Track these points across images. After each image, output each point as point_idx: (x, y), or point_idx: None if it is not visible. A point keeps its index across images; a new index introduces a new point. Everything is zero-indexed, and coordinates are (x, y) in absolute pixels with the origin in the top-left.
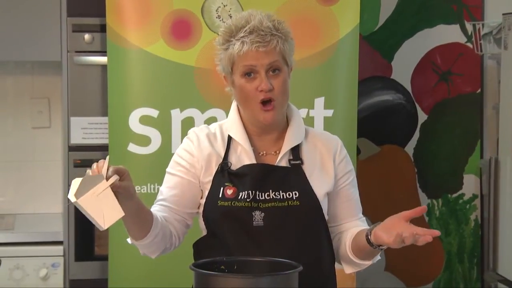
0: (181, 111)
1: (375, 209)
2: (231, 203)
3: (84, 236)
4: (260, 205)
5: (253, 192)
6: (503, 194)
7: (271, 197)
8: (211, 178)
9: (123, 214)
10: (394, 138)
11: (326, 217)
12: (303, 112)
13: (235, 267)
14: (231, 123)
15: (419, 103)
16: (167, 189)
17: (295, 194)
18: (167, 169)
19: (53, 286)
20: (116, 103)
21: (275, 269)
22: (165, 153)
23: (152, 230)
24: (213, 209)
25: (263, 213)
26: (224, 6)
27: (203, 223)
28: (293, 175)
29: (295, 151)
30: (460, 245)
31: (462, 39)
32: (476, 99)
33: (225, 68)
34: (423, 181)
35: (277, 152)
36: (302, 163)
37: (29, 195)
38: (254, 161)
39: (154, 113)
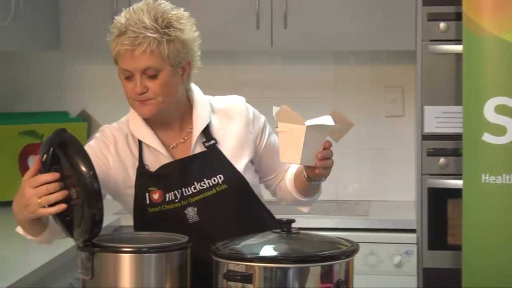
0: None
1: None
2: (161, 207)
3: (437, 225)
4: (190, 200)
5: (179, 190)
6: None
7: (198, 189)
8: (131, 184)
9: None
10: None
11: (257, 187)
12: None
13: None
14: (134, 124)
15: None
16: None
17: (220, 178)
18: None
19: (406, 273)
20: (471, 92)
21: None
22: None
23: (48, 228)
24: (144, 217)
25: (195, 208)
26: None
27: None
28: (211, 157)
29: (206, 131)
30: None
31: None
32: None
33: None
34: None
35: (186, 139)
36: (216, 142)
37: (382, 182)
38: (169, 158)
39: (510, 102)
